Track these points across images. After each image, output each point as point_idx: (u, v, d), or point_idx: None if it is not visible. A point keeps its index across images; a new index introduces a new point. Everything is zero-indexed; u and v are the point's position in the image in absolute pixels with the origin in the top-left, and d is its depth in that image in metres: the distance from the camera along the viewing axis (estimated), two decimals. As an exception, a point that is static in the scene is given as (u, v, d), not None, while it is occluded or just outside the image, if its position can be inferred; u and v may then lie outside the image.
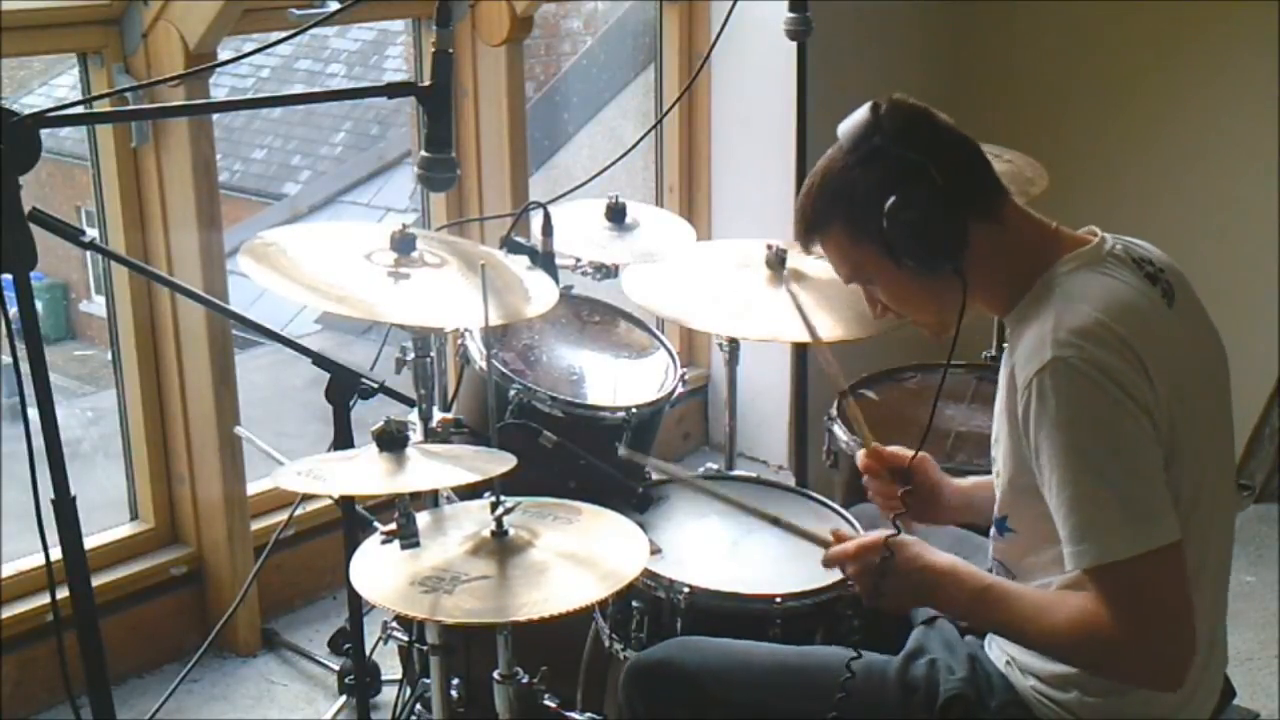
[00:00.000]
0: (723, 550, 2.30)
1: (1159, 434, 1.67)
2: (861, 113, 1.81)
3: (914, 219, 1.74)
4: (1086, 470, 1.65)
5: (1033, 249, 1.81)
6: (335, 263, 2.26)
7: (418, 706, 2.52)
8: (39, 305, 1.84)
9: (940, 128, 1.82)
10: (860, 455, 2.12)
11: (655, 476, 2.44)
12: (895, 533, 1.84)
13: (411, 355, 2.38)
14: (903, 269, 1.79)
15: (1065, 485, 1.66)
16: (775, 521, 2.04)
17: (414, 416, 2.38)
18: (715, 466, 2.69)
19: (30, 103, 5.24)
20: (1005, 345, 1.84)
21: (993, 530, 1.90)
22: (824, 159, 1.86)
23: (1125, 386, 1.64)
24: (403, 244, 2.29)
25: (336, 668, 3.06)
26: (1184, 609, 1.65)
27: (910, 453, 2.05)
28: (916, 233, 1.75)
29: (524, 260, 2.50)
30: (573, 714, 2.23)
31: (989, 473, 1.96)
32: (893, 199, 1.74)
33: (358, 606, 2.27)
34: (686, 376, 2.64)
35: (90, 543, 2.47)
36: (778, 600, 2.10)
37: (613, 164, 3.05)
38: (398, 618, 2.49)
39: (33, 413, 1.78)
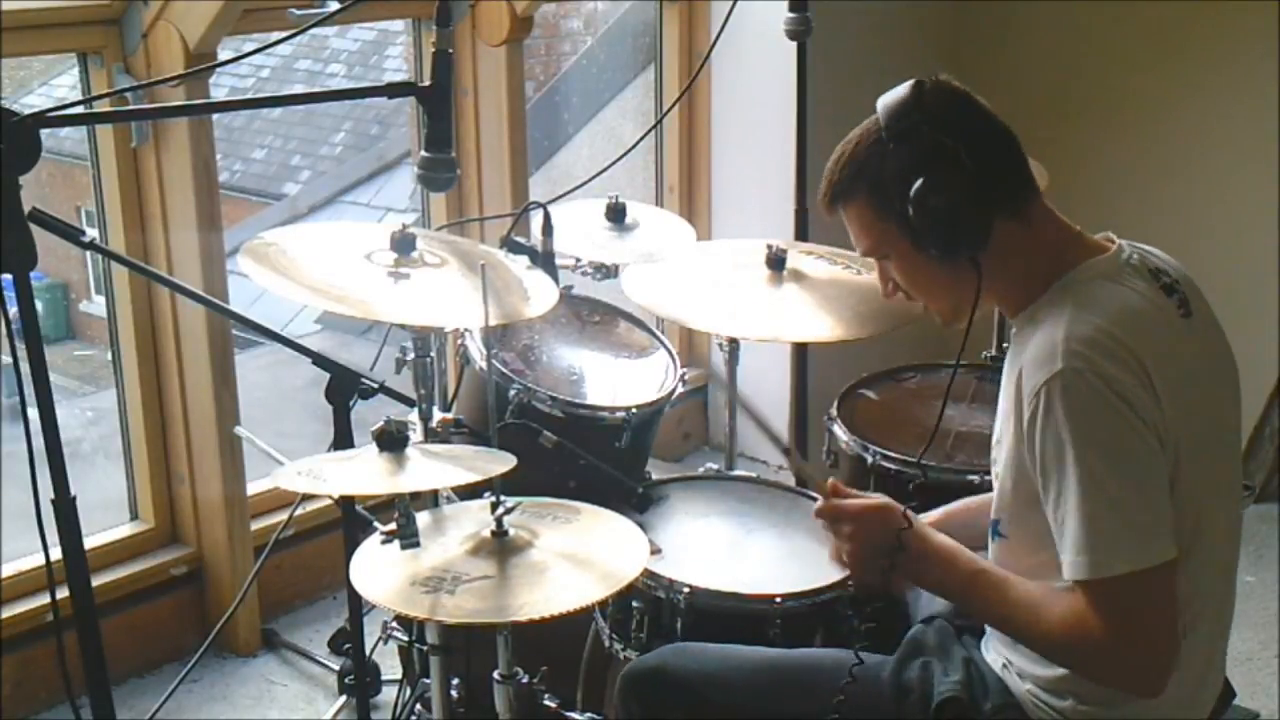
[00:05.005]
0: (723, 550, 2.30)
1: (1164, 451, 1.66)
2: (903, 89, 1.78)
3: (938, 205, 1.72)
4: (1091, 484, 1.63)
5: (1052, 252, 1.79)
6: (335, 263, 2.26)
7: (418, 706, 2.52)
8: (39, 305, 1.84)
9: (981, 114, 1.80)
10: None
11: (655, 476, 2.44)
12: (914, 504, 1.86)
13: (411, 355, 2.38)
14: (921, 252, 1.77)
15: (1068, 498, 1.65)
16: (786, 452, 2.04)
17: (414, 416, 2.38)
18: (715, 466, 2.68)
19: (30, 103, 5.24)
20: (1008, 345, 1.83)
21: (989, 532, 1.90)
22: (859, 129, 1.83)
23: (1132, 402, 1.63)
24: (403, 244, 2.28)
25: (336, 668, 3.06)
26: (1170, 624, 1.66)
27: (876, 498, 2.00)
28: (939, 219, 1.73)
29: (524, 260, 2.50)
30: (573, 714, 2.22)
31: (989, 473, 1.95)
32: (920, 181, 1.72)
33: (358, 606, 2.27)
34: (686, 376, 2.64)
35: (90, 543, 2.47)
36: (777, 600, 2.09)
37: (613, 164, 3.05)
38: (398, 618, 2.49)
39: (33, 413, 1.78)
